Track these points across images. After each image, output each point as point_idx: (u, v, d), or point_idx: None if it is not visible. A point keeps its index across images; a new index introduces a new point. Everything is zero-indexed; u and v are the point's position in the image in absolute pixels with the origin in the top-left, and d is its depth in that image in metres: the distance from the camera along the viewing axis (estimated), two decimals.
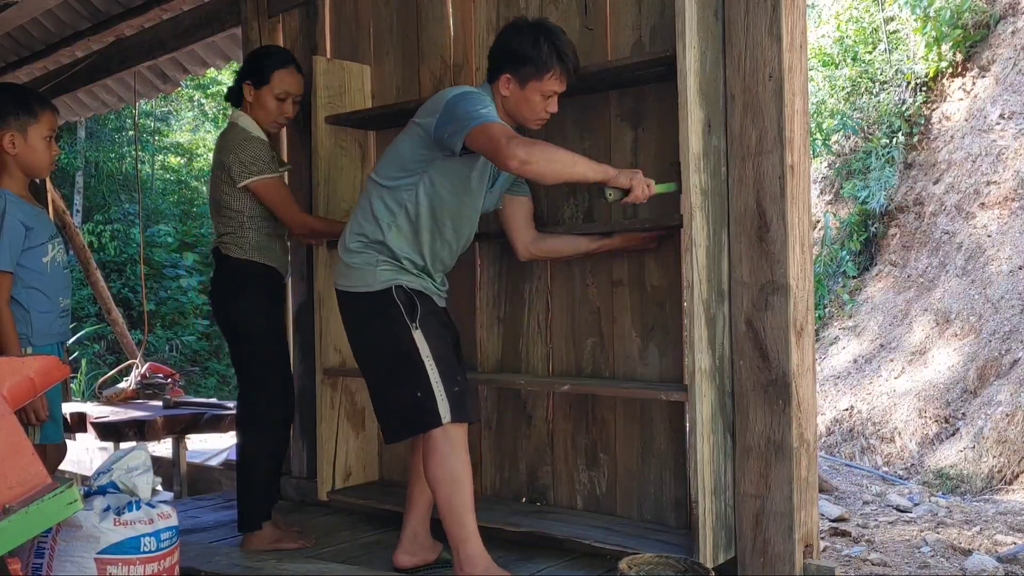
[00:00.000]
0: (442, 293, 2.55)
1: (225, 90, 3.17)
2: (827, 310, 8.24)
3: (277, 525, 2.97)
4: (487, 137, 2.18)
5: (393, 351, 2.37)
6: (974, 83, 8.07)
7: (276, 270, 2.91)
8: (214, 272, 2.97)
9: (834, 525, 4.41)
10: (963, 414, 6.04)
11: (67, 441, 3.17)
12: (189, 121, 15.90)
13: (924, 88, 8.46)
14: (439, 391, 2.32)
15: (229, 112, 2.99)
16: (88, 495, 2.23)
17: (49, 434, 2.67)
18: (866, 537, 4.24)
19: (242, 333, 2.87)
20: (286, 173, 3.00)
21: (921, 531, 4.36)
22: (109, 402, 5.17)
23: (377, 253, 2.40)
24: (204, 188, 14.77)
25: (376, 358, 2.44)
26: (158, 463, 4.55)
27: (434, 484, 2.34)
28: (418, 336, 2.35)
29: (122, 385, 5.39)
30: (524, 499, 3.00)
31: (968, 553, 3.98)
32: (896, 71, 8.82)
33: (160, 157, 15.27)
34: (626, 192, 2.28)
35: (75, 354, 10.02)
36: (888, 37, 9.15)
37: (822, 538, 3.99)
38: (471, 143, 2.22)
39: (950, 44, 8.23)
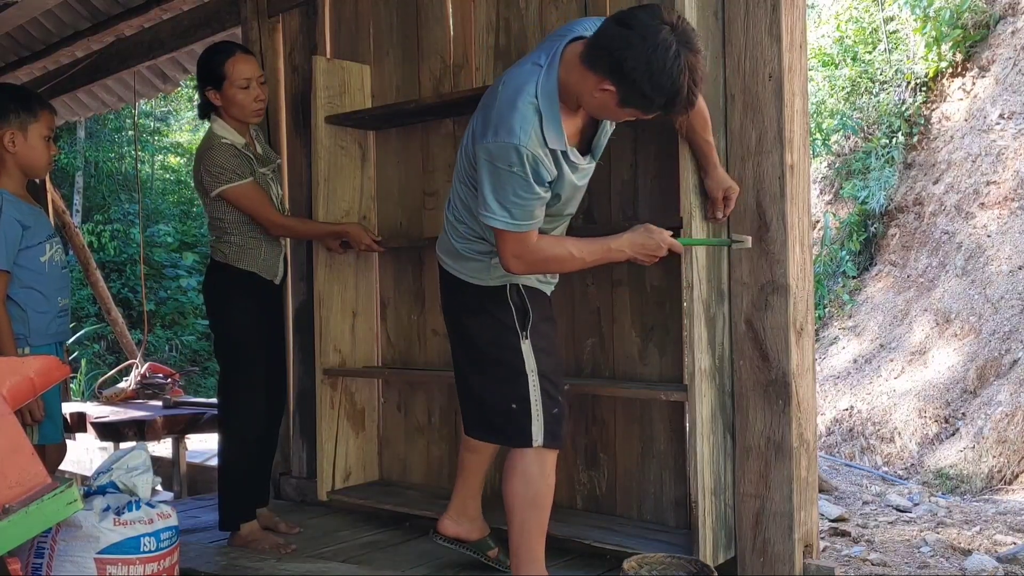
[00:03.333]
0: (553, 282, 2.39)
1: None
2: (827, 310, 8.24)
3: (269, 527, 2.98)
4: (499, 238, 2.05)
5: (496, 354, 2.23)
6: (974, 83, 8.07)
7: (258, 275, 2.91)
8: (205, 275, 3.03)
9: (834, 525, 4.41)
10: (963, 414, 6.04)
11: (67, 441, 3.17)
12: (189, 121, 15.89)
13: (924, 88, 8.46)
14: (536, 410, 2.19)
15: None
16: (88, 495, 2.23)
17: (48, 434, 2.67)
18: (866, 537, 4.24)
19: (220, 336, 2.94)
20: (270, 172, 2.96)
21: (921, 531, 4.35)
22: (109, 402, 5.17)
23: (489, 244, 2.18)
24: None
25: (475, 353, 2.29)
26: (158, 463, 4.56)
27: (512, 501, 2.23)
28: (527, 347, 2.21)
29: (122, 385, 5.39)
30: None
31: (968, 553, 3.98)
32: (896, 71, 8.81)
33: (160, 157, 15.26)
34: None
35: (75, 354, 10.02)
36: (888, 37, 9.15)
37: (822, 538, 3.99)
38: (493, 232, 2.08)
39: (950, 44, 8.22)
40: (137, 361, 5.50)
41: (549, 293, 2.37)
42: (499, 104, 1.98)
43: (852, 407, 6.78)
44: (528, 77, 1.98)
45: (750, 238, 2.29)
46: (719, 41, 2.39)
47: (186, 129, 16.01)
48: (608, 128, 2.16)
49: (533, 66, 2.00)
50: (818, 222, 8.68)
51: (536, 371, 2.20)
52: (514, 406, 2.20)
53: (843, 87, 9.31)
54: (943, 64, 8.32)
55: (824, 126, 9.11)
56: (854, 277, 8.27)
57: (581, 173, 2.13)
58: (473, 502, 2.57)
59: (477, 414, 2.34)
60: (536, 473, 2.21)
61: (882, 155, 8.44)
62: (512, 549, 2.28)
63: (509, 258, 2.06)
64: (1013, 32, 7.96)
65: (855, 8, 9.72)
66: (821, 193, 9.07)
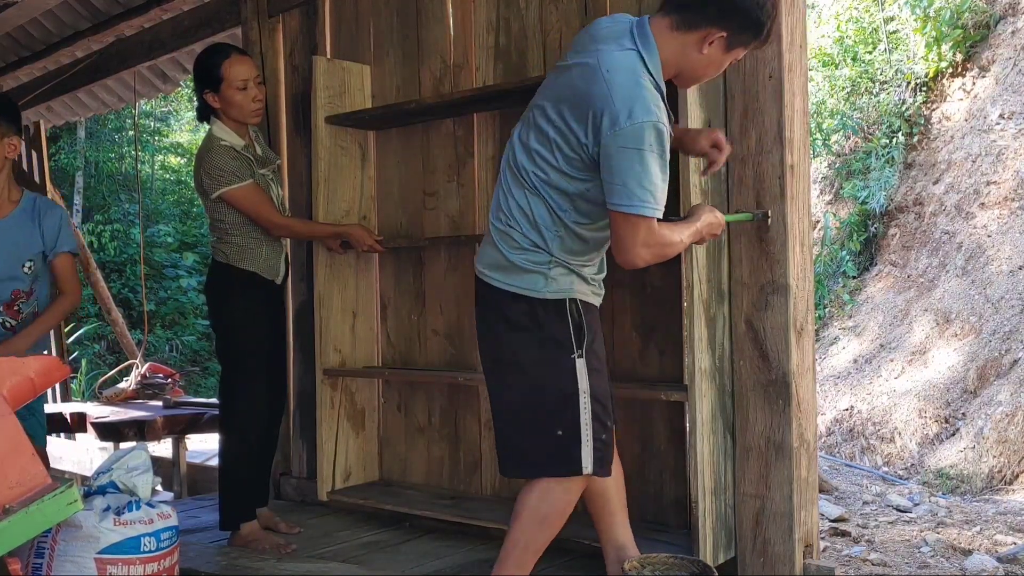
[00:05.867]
0: (602, 292, 2.22)
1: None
2: (827, 310, 8.23)
3: (269, 527, 2.98)
4: (631, 228, 1.89)
5: (543, 375, 2.04)
6: (974, 83, 8.07)
7: (259, 275, 2.91)
8: (206, 276, 3.04)
9: (834, 525, 4.41)
10: (963, 414, 6.04)
11: (68, 442, 3.17)
12: (189, 121, 15.87)
13: (924, 88, 8.46)
14: (586, 435, 2.02)
15: None
16: (88, 495, 2.23)
17: (39, 435, 2.68)
18: (866, 537, 4.24)
19: (222, 336, 2.94)
20: (270, 173, 2.96)
21: (921, 531, 4.36)
22: (109, 402, 5.17)
23: (549, 254, 2.03)
24: None
25: (517, 375, 2.08)
26: (158, 463, 4.55)
27: (523, 511, 2.08)
28: (580, 366, 2.03)
29: (122, 385, 5.39)
30: None
31: (968, 553, 3.98)
32: (896, 71, 8.81)
33: (160, 157, 15.26)
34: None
35: (75, 354, 10.02)
36: (888, 37, 9.14)
37: (822, 538, 3.99)
38: (611, 217, 1.92)
39: (950, 44, 8.22)
40: (137, 361, 5.50)
41: (598, 305, 2.19)
42: (618, 89, 1.86)
43: (852, 407, 6.78)
44: (632, 59, 1.91)
45: (770, 211, 2.29)
46: None
47: (186, 129, 16.00)
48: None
49: (625, 50, 1.92)
50: (818, 222, 8.68)
51: (588, 392, 2.04)
52: (560, 433, 2.03)
53: (843, 87, 9.31)
54: (943, 64, 8.32)
55: (824, 126, 9.10)
56: (854, 277, 8.27)
57: None
58: (629, 544, 2.33)
59: (516, 446, 2.12)
60: (561, 496, 2.07)
61: (882, 155, 8.44)
62: (502, 554, 2.12)
63: (639, 248, 1.91)
64: (1013, 32, 7.96)
65: (855, 8, 9.72)
66: (821, 193, 9.07)
